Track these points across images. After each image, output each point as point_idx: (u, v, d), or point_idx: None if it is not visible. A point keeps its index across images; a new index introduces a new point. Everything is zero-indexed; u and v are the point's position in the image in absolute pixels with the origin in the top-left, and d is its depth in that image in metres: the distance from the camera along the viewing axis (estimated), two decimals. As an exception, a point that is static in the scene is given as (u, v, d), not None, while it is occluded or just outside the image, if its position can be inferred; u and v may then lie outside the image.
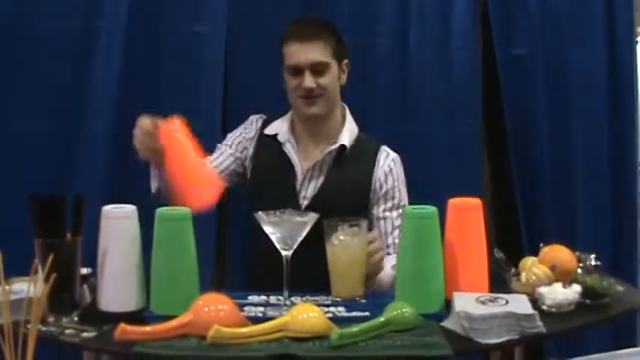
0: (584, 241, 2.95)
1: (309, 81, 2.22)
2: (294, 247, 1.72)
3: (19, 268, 1.55)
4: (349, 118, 2.36)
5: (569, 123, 3.06)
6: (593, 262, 1.93)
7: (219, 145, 2.43)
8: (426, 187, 2.72)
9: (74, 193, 1.77)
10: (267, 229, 1.71)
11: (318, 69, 2.23)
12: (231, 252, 2.84)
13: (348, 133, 2.31)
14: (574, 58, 3.05)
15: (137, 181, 2.69)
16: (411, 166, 2.89)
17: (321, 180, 2.28)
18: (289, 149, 2.31)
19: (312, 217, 1.74)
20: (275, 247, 1.75)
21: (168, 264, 1.72)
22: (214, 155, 2.39)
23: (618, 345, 2.66)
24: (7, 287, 1.48)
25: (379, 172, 2.29)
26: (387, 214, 2.28)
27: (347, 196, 2.25)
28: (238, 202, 2.75)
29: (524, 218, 2.97)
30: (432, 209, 1.77)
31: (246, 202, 2.57)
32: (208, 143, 2.69)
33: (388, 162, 2.32)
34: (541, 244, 1.99)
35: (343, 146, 2.29)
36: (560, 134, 3.05)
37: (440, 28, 2.97)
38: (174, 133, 1.99)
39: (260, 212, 1.73)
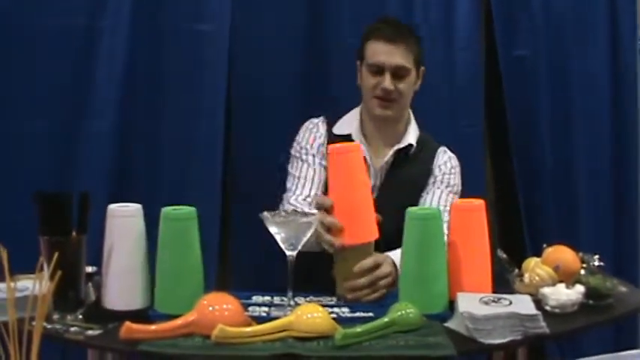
0: (586, 242, 2.95)
1: (388, 83, 2.24)
2: (299, 247, 1.72)
3: (20, 266, 1.55)
4: (413, 119, 2.41)
5: (571, 123, 3.06)
6: (596, 263, 1.94)
7: (295, 156, 2.38)
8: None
9: (80, 191, 1.77)
10: (272, 230, 1.71)
11: (400, 73, 2.26)
12: (234, 252, 2.84)
13: (414, 133, 2.36)
14: (576, 59, 3.05)
15: (139, 181, 2.71)
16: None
17: (390, 177, 2.33)
18: (363, 148, 2.28)
19: (316, 219, 1.74)
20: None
21: (173, 263, 1.72)
22: (305, 171, 2.33)
23: (620, 346, 2.67)
24: (12, 284, 1.48)
25: (435, 168, 2.34)
26: (430, 188, 2.31)
27: (410, 192, 2.29)
28: (241, 202, 2.76)
29: (527, 218, 2.97)
30: (435, 210, 1.78)
31: (248, 201, 2.58)
32: (211, 143, 2.71)
33: (445, 158, 2.37)
34: (544, 245, 1.99)
35: (409, 145, 2.34)
36: (563, 135, 3.05)
37: (443, 28, 2.97)
38: (341, 157, 1.91)
39: (265, 212, 1.73)
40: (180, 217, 1.74)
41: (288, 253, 1.72)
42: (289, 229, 1.71)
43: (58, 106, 2.65)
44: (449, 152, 2.41)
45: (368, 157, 2.30)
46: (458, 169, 2.38)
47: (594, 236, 3.04)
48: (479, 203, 1.83)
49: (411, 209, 1.80)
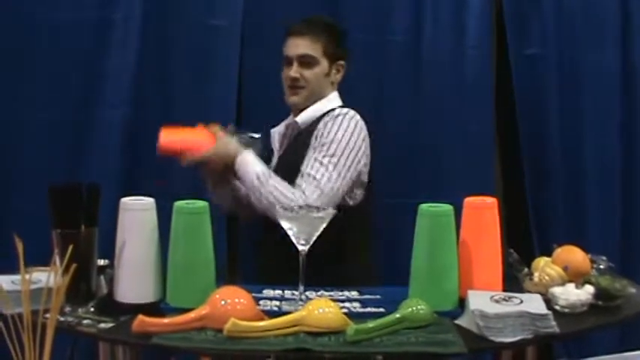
0: (594, 242, 2.94)
1: (293, 70, 2.32)
2: (311, 242, 1.72)
3: (32, 258, 1.55)
4: (324, 100, 2.36)
5: (581, 123, 3.05)
6: (602, 266, 1.94)
7: None
8: (438, 186, 2.74)
9: (90, 183, 1.78)
10: (285, 225, 1.71)
11: (306, 61, 2.32)
12: (243, 246, 2.85)
13: (310, 112, 2.34)
14: (588, 59, 3.04)
15: (150, 172, 2.72)
16: (422, 165, 2.90)
17: (286, 149, 2.39)
18: (274, 134, 2.46)
19: (328, 214, 1.75)
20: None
21: (185, 257, 1.73)
22: None
23: (625, 346, 2.67)
24: (26, 277, 1.49)
25: (315, 134, 2.27)
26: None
27: (298, 160, 2.23)
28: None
29: (535, 218, 2.97)
30: (447, 207, 1.77)
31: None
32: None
33: (326, 119, 2.27)
34: (554, 245, 2.00)
35: (295, 122, 2.37)
36: (573, 135, 3.04)
37: (454, 26, 2.96)
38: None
39: (277, 207, 1.74)
40: (193, 211, 1.74)
41: (300, 247, 1.72)
42: (302, 224, 1.71)
43: (70, 96, 2.68)
44: (338, 111, 2.27)
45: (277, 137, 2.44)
46: (336, 126, 2.22)
47: (603, 236, 3.03)
48: (491, 201, 1.83)
49: (422, 206, 1.79)
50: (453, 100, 2.97)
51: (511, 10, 2.99)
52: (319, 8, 2.87)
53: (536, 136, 3.01)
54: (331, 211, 1.75)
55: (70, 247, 1.53)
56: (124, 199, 1.76)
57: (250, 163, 2.18)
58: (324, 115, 2.30)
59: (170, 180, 2.67)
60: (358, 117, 2.27)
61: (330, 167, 2.17)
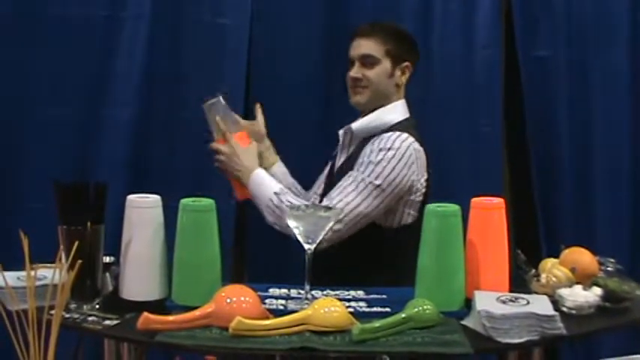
0: (603, 245, 2.92)
1: (354, 71, 2.31)
2: (317, 241, 1.72)
3: (38, 254, 1.56)
4: (385, 109, 2.32)
5: (591, 125, 3.02)
6: (610, 267, 1.93)
7: None
8: (445, 186, 2.71)
9: (97, 181, 1.78)
10: (291, 223, 1.71)
11: (368, 62, 2.30)
12: (250, 244, 2.85)
13: (367, 121, 2.31)
14: (597, 61, 3.02)
15: (157, 171, 2.73)
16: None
17: (344, 159, 2.35)
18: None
19: (335, 213, 1.74)
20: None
21: (191, 255, 1.73)
22: None
23: (632, 349, 2.65)
24: (32, 273, 1.49)
25: (363, 153, 2.21)
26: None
27: (344, 175, 2.20)
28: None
29: (543, 219, 2.96)
30: (454, 207, 1.76)
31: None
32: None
33: (376, 142, 2.20)
34: (562, 246, 1.99)
35: (349, 129, 2.34)
36: (581, 135, 3.02)
37: (463, 27, 2.94)
38: None
39: (284, 206, 1.73)
40: (199, 208, 1.74)
41: (306, 246, 1.72)
42: (308, 223, 1.70)
43: (78, 94, 2.69)
44: (387, 135, 2.19)
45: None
46: (374, 153, 2.15)
47: (611, 238, 3.01)
48: (498, 201, 1.82)
49: (429, 206, 1.79)
50: (462, 101, 2.96)
51: (521, 11, 2.97)
52: (327, 8, 2.87)
53: (545, 137, 2.99)
54: (337, 211, 1.74)
55: (76, 244, 1.53)
56: (131, 197, 1.76)
57: (265, 184, 2.14)
58: (378, 134, 2.22)
59: (177, 176, 2.68)
60: (411, 139, 2.18)
61: (361, 190, 2.10)
